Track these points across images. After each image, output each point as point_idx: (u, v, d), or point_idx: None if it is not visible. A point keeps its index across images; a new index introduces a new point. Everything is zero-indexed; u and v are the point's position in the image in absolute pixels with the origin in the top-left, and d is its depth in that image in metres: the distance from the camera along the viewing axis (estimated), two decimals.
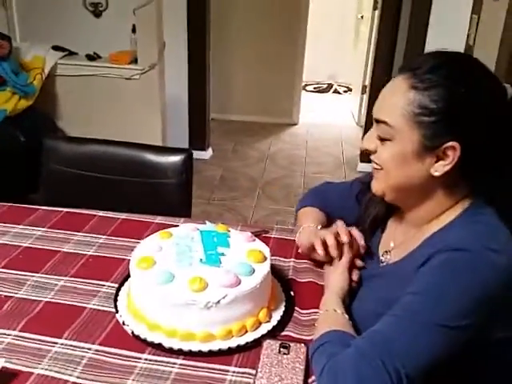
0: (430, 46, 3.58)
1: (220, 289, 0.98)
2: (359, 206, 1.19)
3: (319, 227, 1.21)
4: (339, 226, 1.13)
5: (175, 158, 1.73)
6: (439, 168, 0.91)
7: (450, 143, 0.88)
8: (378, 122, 0.95)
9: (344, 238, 1.09)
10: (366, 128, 4.19)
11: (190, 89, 4.18)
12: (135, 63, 3.34)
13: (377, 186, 1.01)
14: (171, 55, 3.73)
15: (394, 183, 0.97)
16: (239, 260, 1.06)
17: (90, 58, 3.44)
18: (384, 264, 1.06)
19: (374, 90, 4.12)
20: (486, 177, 0.93)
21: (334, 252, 1.10)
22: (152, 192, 1.74)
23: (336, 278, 1.07)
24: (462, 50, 2.94)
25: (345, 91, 6.62)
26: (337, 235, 1.11)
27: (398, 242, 1.06)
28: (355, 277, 1.08)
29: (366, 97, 4.94)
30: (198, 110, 4.26)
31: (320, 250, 1.10)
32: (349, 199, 1.25)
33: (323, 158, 4.54)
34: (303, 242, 1.20)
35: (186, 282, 0.99)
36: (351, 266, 1.09)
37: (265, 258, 1.08)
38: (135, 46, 3.32)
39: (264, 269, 1.05)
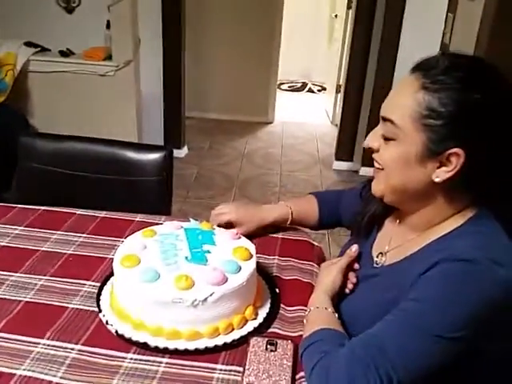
0: (405, 45, 3.63)
1: (207, 286, 0.97)
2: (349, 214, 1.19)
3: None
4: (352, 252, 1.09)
5: (155, 156, 1.71)
6: (441, 174, 0.88)
7: (455, 149, 0.85)
8: (385, 120, 0.92)
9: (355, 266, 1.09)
10: (342, 127, 4.23)
11: (165, 86, 4.15)
12: (110, 60, 3.30)
13: (376, 187, 0.99)
14: (146, 52, 3.69)
15: (393, 184, 0.94)
16: (225, 257, 1.05)
17: (64, 54, 3.38)
18: (378, 265, 1.04)
19: (349, 89, 4.16)
20: (489, 187, 0.91)
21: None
22: (132, 190, 1.72)
23: (330, 279, 1.05)
24: (438, 49, 2.99)
25: (319, 90, 6.66)
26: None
27: (394, 245, 1.03)
28: (354, 279, 1.05)
29: (340, 96, 4.97)
30: (173, 108, 4.22)
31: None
32: (337, 203, 1.29)
33: (299, 156, 4.56)
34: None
35: (171, 280, 0.98)
36: (348, 269, 1.07)
37: (251, 256, 1.07)
38: (109, 42, 3.28)
39: (250, 266, 1.04)
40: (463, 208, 0.93)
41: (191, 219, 1.20)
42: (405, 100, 0.89)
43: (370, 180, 1.07)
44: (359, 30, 4.02)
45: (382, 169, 0.95)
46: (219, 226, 1.24)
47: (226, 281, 0.99)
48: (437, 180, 0.89)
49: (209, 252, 1.07)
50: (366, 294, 1.02)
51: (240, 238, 1.15)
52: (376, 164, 0.97)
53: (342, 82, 4.98)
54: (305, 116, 5.68)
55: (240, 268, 1.03)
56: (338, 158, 4.26)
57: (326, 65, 6.19)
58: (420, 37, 3.34)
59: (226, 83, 5.32)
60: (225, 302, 0.98)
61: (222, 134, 5.01)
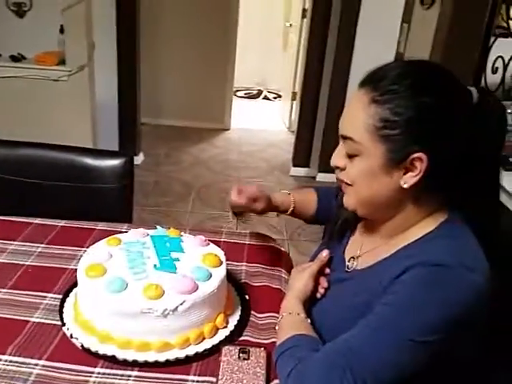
0: (359, 53, 3.70)
1: (177, 295, 0.95)
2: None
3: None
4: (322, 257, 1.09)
5: (115, 162, 1.67)
6: (408, 180, 0.88)
7: (417, 154, 0.86)
8: (345, 138, 0.92)
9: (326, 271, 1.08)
10: (298, 133, 4.26)
11: (120, 92, 4.06)
12: (63, 64, 3.20)
13: (348, 202, 0.98)
14: (100, 57, 3.61)
15: (364, 199, 0.94)
16: (195, 265, 1.03)
17: (15, 59, 3.26)
18: (350, 270, 1.04)
19: (305, 96, 4.20)
20: (456, 188, 0.92)
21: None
22: (91, 198, 1.67)
23: (301, 283, 1.04)
24: (393, 57, 3.06)
25: (274, 97, 6.70)
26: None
27: (365, 250, 1.03)
28: (325, 284, 1.05)
29: (296, 103, 5.02)
30: (128, 114, 4.14)
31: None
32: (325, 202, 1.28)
33: (256, 162, 4.56)
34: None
35: (140, 289, 0.95)
36: (319, 274, 1.06)
37: (221, 262, 1.05)
38: (63, 46, 3.18)
39: (220, 273, 1.03)
40: (432, 212, 0.93)
41: (158, 226, 1.17)
42: (358, 116, 0.89)
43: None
44: (314, 39, 4.06)
45: (351, 184, 0.95)
46: (235, 208, 1.24)
47: (197, 289, 0.97)
48: (405, 186, 0.89)
49: (177, 260, 1.04)
50: (337, 298, 1.02)
51: (208, 244, 1.13)
52: (344, 181, 0.97)
53: (297, 89, 5.03)
54: (261, 123, 5.70)
55: (210, 275, 1.01)
56: (295, 165, 4.28)
57: (280, 72, 6.24)
58: (374, 45, 3.39)
59: (181, 89, 5.27)
60: (196, 311, 0.96)
61: (179, 140, 4.95)
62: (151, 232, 1.15)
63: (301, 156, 4.26)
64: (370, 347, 0.82)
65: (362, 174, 0.92)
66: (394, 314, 0.83)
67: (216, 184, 4.06)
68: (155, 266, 1.01)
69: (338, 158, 0.96)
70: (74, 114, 3.31)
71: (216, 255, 1.06)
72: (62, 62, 3.20)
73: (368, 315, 0.86)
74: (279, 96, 6.55)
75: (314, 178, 4.16)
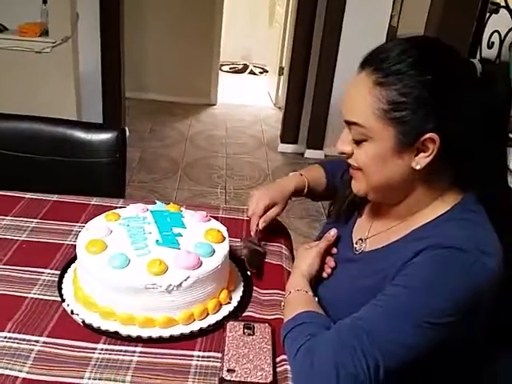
0: (349, 28, 3.66)
1: (181, 271, 0.93)
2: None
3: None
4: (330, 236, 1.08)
5: (107, 136, 1.63)
6: (420, 161, 0.86)
7: (428, 135, 0.84)
8: (349, 123, 0.90)
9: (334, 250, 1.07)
10: (286, 109, 4.22)
11: (104, 65, 3.97)
12: (46, 36, 3.11)
13: (358, 187, 0.96)
14: (83, 29, 3.51)
15: (375, 183, 0.92)
16: (197, 240, 1.01)
17: None
18: (358, 251, 1.02)
19: (293, 71, 4.15)
20: (467, 166, 0.90)
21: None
22: (82, 172, 1.63)
23: (308, 262, 1.03)
24: (385, 31, 3.02)
25: (260, 72, 6.63)
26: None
27: (374, 232, 1.02)
28: (332, 263, 1.04)
29: (283, 78, 4.97)
30: (112, 87, 4.05)
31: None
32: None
33: (243, 138, 4.53)
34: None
35: (143, 265, 0.93)
36: (326, 253, 1.05)
37: (223, 238, 1.04)
38: (46, 17, 3.09)
39: (224, 249, 1.01)
40: (443, 192, 0.92)
41: (157, 201, 1.15)
42: (363, 100, 0.87)
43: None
44: (302, 11, 4.00)
45: (360, 169, 0.93)
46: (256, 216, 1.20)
47: (201, 264, 0.95)
48: (418, 167, 0.87)
49: (180, 235, 1.02)
50: (345, 279, 1.01)
51: (210, 219, 1.11)
52: (353, 166, 0.95)
53: (284, 64, 4.98)
54: (247, 98, 5.64)
55: (214, 251, 0.99)
56: (283, 141, 4.26)
57: (267, 47, 6.16)
58: (365, 19, 3.35)
59: (166, 64, 5.18)
60: (200, 287, 0.95)
61: (164, 115, 4.88)
62: (150, 207, 1.13)
63: (289, 132, 4.23)
64: (383, 328, 0.81)
65: (371, 159, 0.89)
66: (407, 296, 0.82)
67: (203, 160, 4.02)
68: (157, 241, 0.99)
69: (343, 144, 0.93)
70: (57, 87, 3.24)
71: (219, 231, 1.04)
72: (45, 33, 3.11)
73: (380, 296, 0.85)
74: (265, 71, 6.48)
75: (302, 154, 4.15)
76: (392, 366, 0.80)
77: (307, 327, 0.87)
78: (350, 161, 0.94)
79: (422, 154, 0.86)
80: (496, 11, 1.98)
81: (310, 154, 4.06)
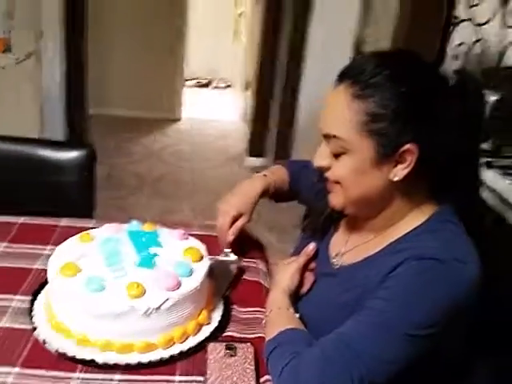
0: (315, 41, 3.67)
1: (159, 293, 0.90)
2: (311, 193, 1.16)
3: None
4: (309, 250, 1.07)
5: (75, 154, 1.59)
6: (398, 172, 0.87)
7: (406, 146, 0.84)
8: (328, 137, 0.90)
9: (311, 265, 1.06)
10: (253, 123, 4.23)
11: (68, 81, 3.89)
12: (9, 52, 3.03)
13: (335, 201, 0.95)
14: (46, 45, 3.44)
15: (353, 196, 0.91)
16: (176, 260, 0.98)
17: None
18: (336, 266, 1.01)
19: (259, 85, 4.16)
20: (445, 176, 0.91)
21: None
22: (50, 192, 1.58)
23: (287, 277, 1.01)
24: (351, 45, 3.05)
25: (225, 87, 6.64)
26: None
27: (351, 246, 1.01)
28: (312, 278, 1.03)
29: (249, 92, 4.98)
30: (76, 104, 3.96)
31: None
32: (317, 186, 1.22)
33: (210, 153, 4.51)
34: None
35: (121, 288, 0.90)
36: (305, 268, 1.04)
37: (202, 257, 1.01)
38: (8, 33, 3.01)
39: (203, 268, 0.99)
40: (420, 203, 0.92)
41: (133, 220, 1.12)
42: (342, 113, 0.87)
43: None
44: (267, 26, 4.03)
45: (338, 183, 0.92)
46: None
47: (180, 285, 0.93)
48: (396, 179, 0.87)
49: (157, 255, 0.99)
50: (324, 294, 1.00)
51: (188, 237, 1.08)
52: (330, 180, 0.94)
53: (250, 78, 5.00)
54: (213, 113, 5.63)
55: (192, 270, 0.97)
56: (249, 155, 4.26)
57: (231, 61, 6.18)
58: (331, 32, 3.37)
59: (130, 79, 5.13)
60: (179, 308, 0.92)
61: (128, 131, 4.82)
62: (125, 227, 1.09)
63: (255, 146, 4.24)
64: (367, 343, 0.80)
65: (350, 172, 0.89)
66: (388, 309, 0.81)
67: (170, 175, 3.98)
68: (134, 262, 0.96)
69: (321, 159, 0.93)
70: (20, 104, 3.15)
71: (197, 249, 1.02)
72: (8, 50, 3.03)
73: (361, 310, 0.84)
74: (230, 85, 6.49)
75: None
76: (377, 380, 0.79)
77: (290, 346, 0.86)
78: (327, 174, 0.94)
79: (400, 166, 0.87)
80: (458, 24, 2.03)
81: None
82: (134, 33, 4.96)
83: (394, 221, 0.93)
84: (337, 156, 0.90)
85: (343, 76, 0.90)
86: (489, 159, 1.62)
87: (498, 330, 0.99)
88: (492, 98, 1.84)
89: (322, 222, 1.08)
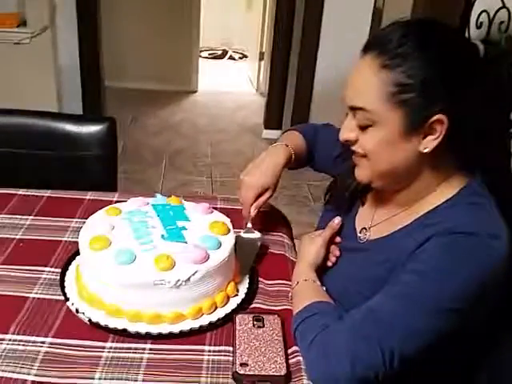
0: (331, 9, 3.61)
1: (189, 265, 0.92)
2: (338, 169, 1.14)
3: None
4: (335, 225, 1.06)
5: (97, 128, 1.60)
6: (428, 144, 0.85)
7: (436, 117, 0.83)
8: (355, 109, 0.88)
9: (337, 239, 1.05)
10: (269, 95, 4.19)
11: (82, 54, 3.87)
12: (24, 26, 3.03)
13: (362, 175, 0.94)
14: (60, 18, 3.43)
15: (382, 169, 0.90)
16: (203, 233, 1.00)
17: None
18: (363, 240, 1.01)
19: (275, 56, 4.11)
20: (474, 148, 0.89)
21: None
22: (73, 166, 1.60)
23: (313, 251, 1.02)
24: (370, 13, 2.99)
25: (240, 57, 6.57)
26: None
27: (378, 220, 1.00)
28: (337, 252, 1.03)
29: (264, 63, 4.93)
30: (91, 77, 3.96)
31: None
32: (333, 152, 1.21)
33: (227, 125, 4.49)
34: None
35: (150, 260, 0.91)
36: (330, 242, 1.04)
37: (228, 230, 1.02)
38: (23, 7, 3.00)
39: (230, 241, 1.00)
40: (449, 176, 0.91)
41: (157, 194, 1.13)
42: (369, 84, 0.86)
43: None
44: None
45: (365, 156, 0.91)
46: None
47: (208, 258, 0.94)
48: (425, 151, 0.86)
49: (185, 228, 1.00)
50: (350, 269, 1.00)
51: (213, 211, 1.09)
52: (357, 153, 0.93)
53: (265, 49, 4.93)
54: (228, 84, 5.59)
55: (220, 243, 0.98)
56: (267, 127, 4.24)
57: (246, 32, 6.09)
58: (348, 1, 3.31)
59: (145, 51, 5.09)
60: (208, 280, 0.93)
61: (145, 104, 4.81)
62: (151, 200, 1.10)
63: (272, 118, 4.21)
64: (398, 317, 0.80)
65: (378, 144, 0.88)
66: (420, 283, 0.82)
67: (187, 149, 3.98)
68: (163, 235, 0.97)
69: (347, 132, 0.92)
70: (37, 78, 3.16)
71: (224, 223, 1.03)
72: (23, 24, 3.03)
73: (391, 284, 0.84)
74: (245, 56, 6.42)
75: None
76: (406, 354, 0.80)
77: (319, 318, 0.87)
78: (354, 148, 0.93)
79: (429, 137, 0.85)
80: None
81: None
82: (148, 4, 4.91)
83: (422, 194, 0.93)
84: (363, 128, 0.89)
85: (369, 47, 0.88)
86: None
87: None
88: None
89: (347, 197, 1.07)
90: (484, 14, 1.94)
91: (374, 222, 1.02)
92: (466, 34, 1.98)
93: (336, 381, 0.80)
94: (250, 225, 1.17)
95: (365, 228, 1.02)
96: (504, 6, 1.96)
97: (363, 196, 1.07)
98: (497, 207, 0.87)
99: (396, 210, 0.97)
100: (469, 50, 0.88)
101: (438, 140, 0.85)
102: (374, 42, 0.88)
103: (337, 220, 1.05)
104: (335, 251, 1.03)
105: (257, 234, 1.17)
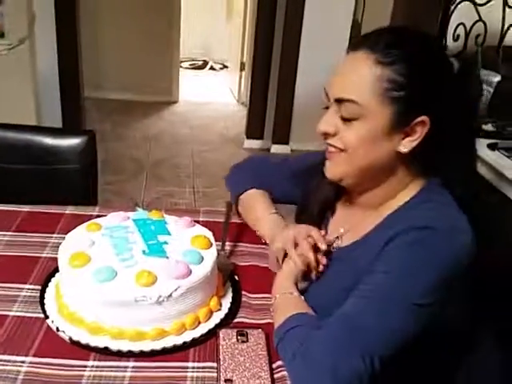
0: (311, 19, 3.65)
1: (170, 281, 0.91)
2: (296, 189, 1.16)
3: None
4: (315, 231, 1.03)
5: (77, 141, 1.58)
6: (407, 144, 0.88)
7: (421, 118, 0.86)
8: (342, 101, 0.89)
9: (322, 247, 0.99)
10: (251, 105, 4.20)
11: (61, 66, 3.85)
12: (2, 38, 2.99)
13: (335, 170, 0.95)
14: (38, 29, 3.40)
15: (360, 165, 0.92)
16: (185, 248, 0.99)
17: None
18: (336, 249, 1.02)
19: (256, 66, 4.13)
20: (444, 151, 0.92)
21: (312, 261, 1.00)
22: (52, 180, 1.58)
23: (289, 262, 1.01)
24: (349, 25, 3.03)
25: (221, 68, 6.59)
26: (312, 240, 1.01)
27: (348, 226, 1.02)
28: (324, 261, 1.01)
29: (245, 73, 4.95)
30: (70, 88, 3.93)
31: (299, 264, 0.99)
32: (283, 180, 1.22)
33: (208, 136, 4.49)
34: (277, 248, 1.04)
35: (131, 276, 0.90)
36: (315, 251, 1.02)
37: (211, 244, 1.02)
38: (1, 18, 2.97)
39: (212, 255, 0.99)
40: (414, 178, 0.94)
41: (138, 208, 1.12)
42: (362, 77, 0.87)
43: (304, 167, 1.09)
44: (263, 6, 3.98)
45: (343, 150, 0.92)
46: None
47: (190, 273, 0.93)
48: (404, 151, 0.89)
49: (166, 243, 0.99)
50: (328, 280, 1.00)
51: (194, 225, 1.08)
52: (333, 148, 0.93)
53: (245, 59, 4.96)
54: (209, 95, 5.60)
55: (202, 258, 0.97)
56: (248, 137, 4.24)
57: (226, 42, 6.12)
58: (327, 12, 3.35)
59: (125, 61, 5.08)
60: (190, 296, 0.92)
61: (125, 115, 4.79)
62: (131, 215, 1.09)
63: (254, 128, 4.22)
64: (373, 319, 0.82)
65: (361, 139, 0.89)
66: (388, 282, 0.83)
67: (169, 160, 3.97)
68: (144, 251, 0.96)
69: (327, 124, 0.92)
70: (15, 89, 3.12)
71: (205, 237, 1.02)
72: (1, 36, 2.99)
73: (362, 286, 0.86)
74: (226, 66, 6.44)
75: (268, 149, 4.15)
76: (386, 355, 0.81)
77: (299, 331, 0.87)
78: (331, 141, 0.93)
79: (409, 138, 0.88)
80: (457, 4, 2.01)
81: (276, 149, 4.06)
82: (128, 14, 4.91)
83: (388, 196, 0.95)
84: (347, 121, 0.90)
85: (360, 44, 0.90)
86: (492, 140, 1.62)
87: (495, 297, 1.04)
88: (494, 79, 1.84)
89: (316, 213, 1.08)
90: (461, 27, 1.98)
91: (345, 230, 1.03)
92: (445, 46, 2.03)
93: None
94: (222, 253, 1.14)
95: (337, 237, 1.04)
96: (480, 19, 2.01)
97: (333, 206, 1.09)
98: (460, 204, 0.89)
99: (364, 214, 0.99)
100: (449, 63, 0.92)
101: (417, 141, 0.88)
102: (365, 41, 0.90)
103: (322, 232, 1.05)
104: (323, 260, 1.03)
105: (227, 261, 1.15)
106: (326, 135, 0.94)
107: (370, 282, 0.85)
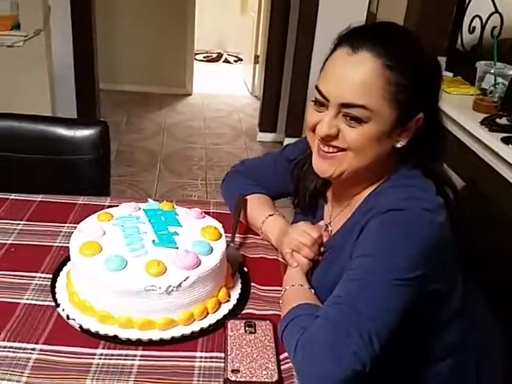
0: (326, 13, 3.62)
1: (180, 271, 0.91)
2: (289, 182, 1.17)
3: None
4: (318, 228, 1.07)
5: (90, 132, 1.59)
6: (402, 140, 0.92)
7: (419, 115, 0.90)
8: (349, 106, 0.88)
9: (322, 248, 1.06)
10: (264, 98, 4.20)
11: (76, 57, 3.88)
12: (18, 29, 3.02)
13: (335, 169, 0.94)
14: (54, 21, 3.42)
15: (363, 163, 0.92)
16: (195, 238, 0.99)
17: None
18: (328, 238, 1.05)
19: (270, 59, 4.12)
20: (425, 143, 0.95)
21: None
22: (66, 170, 1.59)
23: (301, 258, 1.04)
24: (364, 17, 3.00)
25: (235, 61, 6.57)
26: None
27: (335, 214, 1.06)
28: (321, 249, 1.05)
29: (259, 66, 4.93)
30: (85, 81, 3.96)
31: (306, 265, 1.04)
32: (274, 176, 1.24)
33: (222, 128, 4.49)
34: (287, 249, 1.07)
35: (141, 266, 0.91)
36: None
37: (220, 235, 1.02)
38: (16, 10, 2.99)
39: (221, 246, 0.99)
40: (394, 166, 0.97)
41: (149, 199, 1.12)
42: (373, 84, 0.87)
43: (291, 159, 1.13)
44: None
45: (345, 150, 0.92)
46: None
47: (200, 263, 0.93)
48: (399, 146, 0.93)
49: (176, 234, 1.00)
50: (324, 267, 1.03)
51: (205, 216, 1.09)
52: (335, 148, 0.93)
53: (259, 52, 4.94)
54: (223, 87, 5.59)
55: (212, 249, 0.97)
56: (261, 130, 4.24)
57: (240, 34, 6.10)
58: (342, 4, 3.32)
59: (140, 53, 5.08)
60: (199, 286, 0.93)
61: (139, 107, 4.80)
62: (143, 206, 1.10)
63: (267, 121, 4.21)
64: (363, 300, 0.83)
65: (368, 140, 0.90)
66: (374, 262, 0.86)
67: (182, 152, 3.98)
68: (154, 241, 0.97)
69: (329, 127, 0.92)
70: (30, 81, 3.15)
71: (215, 228, 1.03)
72: (17, 27, 3.02)
73: (348, 271, 0.88)
74: (240, 59, 6.43)
75: (281, 143, 4.13)
76: (383, 334, 0.82)
77: (299, 321, 0.88)
78: (334, 143, 0.93)
79: (404, 133, 0.92)
80: None
81: (288, 142, 4.04)
82: (142, 7, 4.91)
83: (367, 184, 0.98)
84: (352, 123, 0.90)
85: (361, 45, 0.88)
86: (506, 134, 1.60)
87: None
88: (509, 72, 1.81)
89: (308, 202, 1.11)
90: (477, 19, 1.95)
91: (332, 218, 1.07)
92: (459, 39, 2.00)
93: (328, 380, 0.80)
94: (233, 245, 1.15)
95: (327, 225, 1.07)
96: (497, 11, 1.98)
97: (325, 195, 1.11)
98: (427, 182, 0.92)
99: (346, 202, 1.03)
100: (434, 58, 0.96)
101: (409, 136, 0.92)
102: (365, 42, 0.89)
103: (321, 222, 1.09)
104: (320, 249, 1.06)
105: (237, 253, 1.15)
106: (328, 138, 0.93)
107: (354, 266, 0.88)
